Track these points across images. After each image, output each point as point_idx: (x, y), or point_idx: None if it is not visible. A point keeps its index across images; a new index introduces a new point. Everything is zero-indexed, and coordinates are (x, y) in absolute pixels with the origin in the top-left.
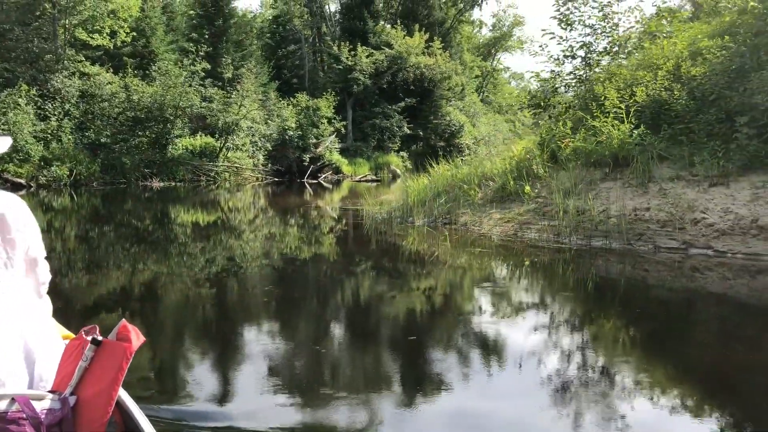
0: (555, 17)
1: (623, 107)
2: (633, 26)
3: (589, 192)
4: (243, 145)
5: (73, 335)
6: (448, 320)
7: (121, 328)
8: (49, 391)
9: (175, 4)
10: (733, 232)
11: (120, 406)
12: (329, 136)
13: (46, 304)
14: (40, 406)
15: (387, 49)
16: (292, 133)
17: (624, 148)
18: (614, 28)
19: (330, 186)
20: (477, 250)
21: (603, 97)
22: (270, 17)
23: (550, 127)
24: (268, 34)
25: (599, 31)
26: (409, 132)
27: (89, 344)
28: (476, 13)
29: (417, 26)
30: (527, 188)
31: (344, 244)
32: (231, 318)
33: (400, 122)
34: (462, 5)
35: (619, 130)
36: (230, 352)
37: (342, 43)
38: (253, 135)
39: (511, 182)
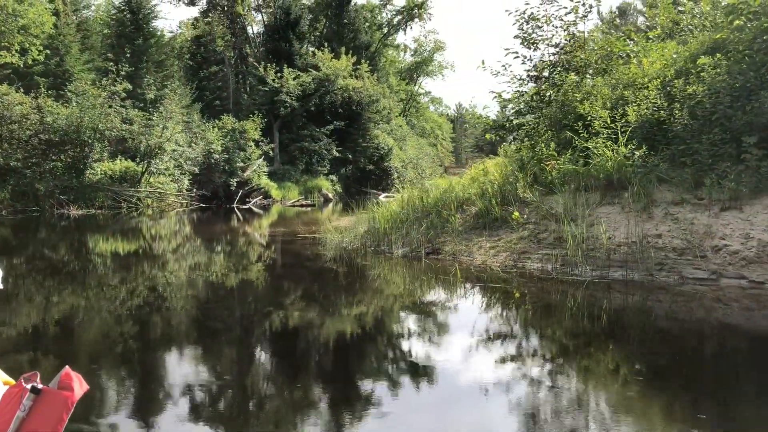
0: (518, 36)
1: (617, 126)
2: (597, 47)
3: (587, 217)
4: (166, 169)
5: (11, 380)
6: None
7: (63, 376)
8: None
9: (90, 21)
10: (761, 260)
11: None
12: (257, 159)
13: None
14: None
15: (314, 72)
16: (218, 156)
17: (621, 170)
18: (580, 46)
19: (261, 211)
20: (493, 287)
21: (588, 117)
22: (190, 37)
23: (529, 149)
24: (188, 55)
25: (564, 51)
26: (338, 155)
27: (28, 392)
28: (401, 37)
29: (343, 49)
30: (516, 214)
31: (315, 282)
32: (152, 357)
33: (328, 145)
34: (387, 29)
35: (613, 151)
36: (150, 395)
37: (268, 65)
38: (177, 159)
39: (496, 207)
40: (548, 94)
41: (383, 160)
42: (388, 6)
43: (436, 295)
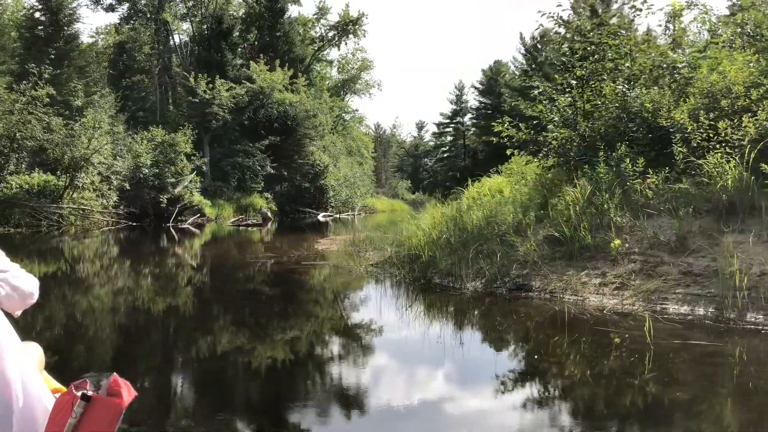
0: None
1: (738, 139)
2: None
3: (712, 247)
4: (92, 183)
5: (62, 388)
6: None
7: (112, 383)
8: None
9: (2, 20)
10: None
11: None
12: (189, 174)
13: (35, 353)
14: None
15: (248, 84)
16: (147, 170)
17: (746, 190)
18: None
19: (198, 231)
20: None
21: (692, 127)
22: (113, 44)
23: (611, 166)
24: (106, 63)
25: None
26: (272, 172)
27: (79, 400)
28: (335, 53)
29: (278, 62)
30: (617, 242)
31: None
32: None
33: (263, 161)
34: (322, 43)
35: (735, 168)
36: None
37: (199, 75)
38: (104, 172)
39: (587, 234)
40: (591, 103)
41: (319, 178)
42: (321, 21)
43: (669, 378)
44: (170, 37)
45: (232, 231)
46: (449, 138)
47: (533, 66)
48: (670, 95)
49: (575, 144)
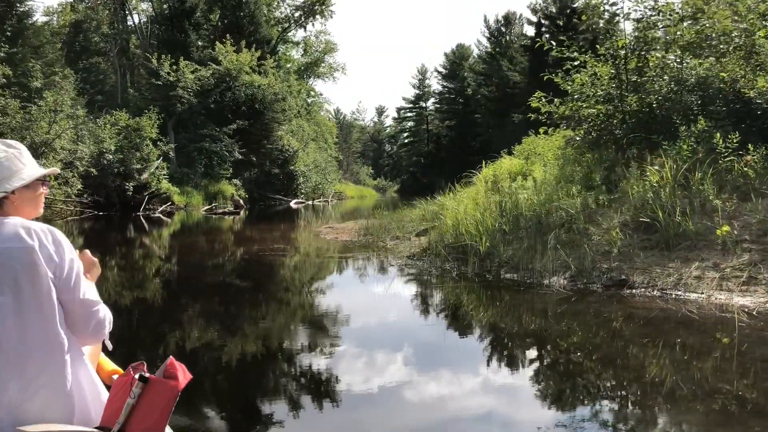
0: None
1: None
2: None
3: None
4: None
5: (120, 369)
6: None
7: (169, 366)
8: (97, 428)
9: None
10: None
11: None
12: (156, 160)
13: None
14: None
15: (214, 66)
16: (111, 157)
17: None
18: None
19: (168, 220)
20: None
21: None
22: (68, 23)
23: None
24: (60, 44)
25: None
26: (241, 157)
27: (137, 381)
28: (300, 35)
29: (243, 42)
30: (725, 228)
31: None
32: None
33: (230, 146)
34: (288, 24)
35: None
36: None
37: (163, 56)
38: (67, 159)
39: (687, 221)
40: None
41: (288, 164)
42: (287, 0)
43: None
44: (129, 16)
45: (209, 220)
46: (410, 123)
47: (497, 50)
48: (744, 64)
49: (618, 120)
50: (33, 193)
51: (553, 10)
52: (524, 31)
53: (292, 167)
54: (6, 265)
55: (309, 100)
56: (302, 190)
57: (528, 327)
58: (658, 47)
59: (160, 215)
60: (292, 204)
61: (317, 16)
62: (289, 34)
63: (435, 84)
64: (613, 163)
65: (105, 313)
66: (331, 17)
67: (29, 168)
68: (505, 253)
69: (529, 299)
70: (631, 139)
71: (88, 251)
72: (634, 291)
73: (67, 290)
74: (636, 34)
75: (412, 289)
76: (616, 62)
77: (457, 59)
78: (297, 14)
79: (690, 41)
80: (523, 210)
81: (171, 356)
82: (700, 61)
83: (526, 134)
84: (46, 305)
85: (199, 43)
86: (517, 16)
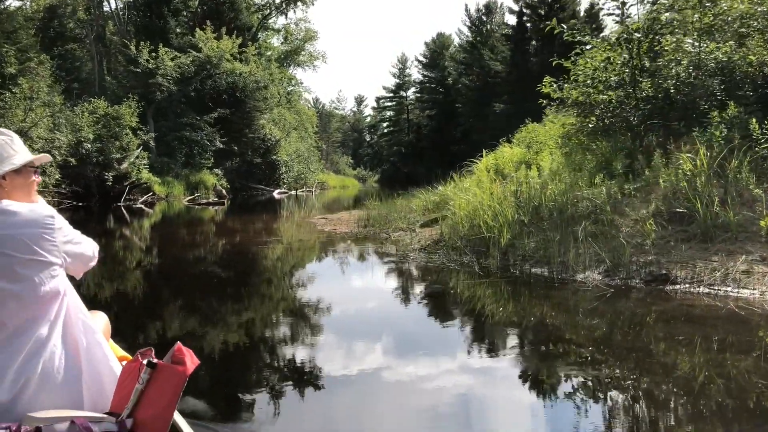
0: None
1: None
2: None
3: None
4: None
5: (128, 356)
6: None
7: (176, 351)
8: (106, 413)
9: None
10: None
11: (175, 428)
12: (135, 149)
13: (101, 322)
14: (98, 428)
15: (194, 53)
16: (89, 146)
17: None
18: None
19: (150, 210)
20: None
21: None
22: (42, 8)
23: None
24: (32, 29)
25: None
26: (222, 147)
27: (145, 367)
28: (281, 22)
29: (224, 29)
30: None
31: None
32: None
33: (211, 135)
34: (269, 11)
35: None
36: None
37: (142, 43)
38: (42, 148)
39: (729, 211)
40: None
41: (270, 153)
42: None
43: None
44: (105, 2)
45: (193, 211)
46: (389, 113)
47: (478, 39)
48: None
49: (630, 106)
50: (24, 180)
51: None
52: (505, 20)
53: (275, 157)
54: (2, 252)
55: (288, 89)
56: (285, 180)
57: (575, 328)
58: (676, 30)
59: (142, 206)
60: (275, 194)
61: (299, 3)
62: (270, 21)
63: (416, 73)
64: (631, 151)
65: (91, 247)
66: (313, 4)
67: (20, 155)
68: (526, 246)
69: (566, 296)
70: (648, 126)
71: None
72: (677, 287)
73: (72, 250)
74: (652, 15)
75: (437, 286)
76: (630, 46)
77: (437, 48)
78: (278, 0)
79: (709, 24)
80: (543, 200)
81: (178, 342)
82: (718, 44)
83: (509, 124)
84: (45, 290)
85: (178, 29)
86: (498, 5)
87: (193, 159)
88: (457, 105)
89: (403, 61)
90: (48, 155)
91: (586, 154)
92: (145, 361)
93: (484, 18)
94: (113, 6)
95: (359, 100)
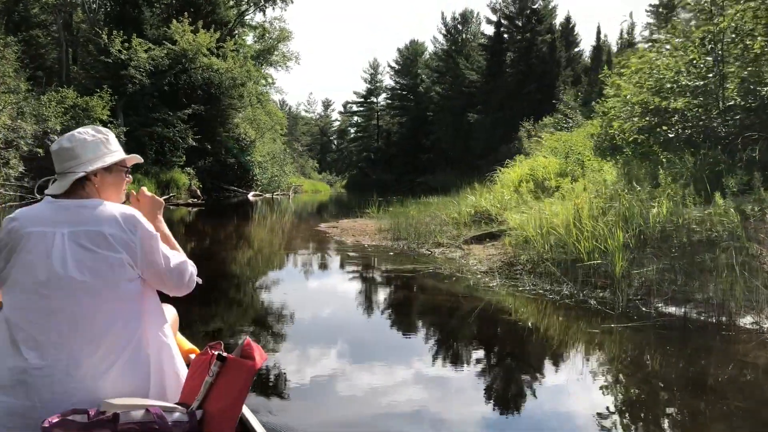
0: None
1: None
2: None
3: None
4: None
5: (197, 349)
6: None
7: (245, 346)
8: (177, 404)
9: None
10: None
11: (243, 422)
12: None
13: (170, 315)
14: (170, 418)
15: (169, 45)
16: (56, 137)
17: None
18: None
19: None
20: None
21: None
22: None
23: None
24: None
25: None
26: (195, 144)
27: (215, 360)
28: (259, 18)
29: (201, 23)
30: None
31: None
32: None
33: (184, 132)
34: (245, 7)
35: None
36: None
37: (114, 32)
38: (8, 137)
39: None
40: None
41: (244, 153)
42: None
43: None
44: None
45: (171, 212)
46: (357, 119)
47: (454, 47)
48: None
49: (715, 114)
50: (115, 179)
51: (513, 10)
52: (482, 30)
53: (249, 157)
54: (84, 246)
55: (260, 89)
56: (258, 182)
57: None
58: None
59: None
60: (250, 196)
61: (278, 0)
62: (247, 17)
63: (387, 79)
64: (729, 166)
65: (189, 266)
66: (292, 2)
67: (114, 154)
68: (645, 277)
69: (744, 352)
70: (745, 138)
71: (144, 189)
72: None
73: (152, 264)
74: (747, 13)
75: (553, 335)
76: (716, 48)
77: (410, 55)
78: None
79: None
80: (651, 220)
81: (247, 337)
82: None
83: (485, 133)
84: (122, 286)
85: (154, 20)
86: (475, 15)
87: (164, 156)
88: (429, 113)
89: (374, 67)
90: (139, 156)
91: (657, 168)
92: (215, 354)
93: (460, 27)
94: None
95: (326, 104)
